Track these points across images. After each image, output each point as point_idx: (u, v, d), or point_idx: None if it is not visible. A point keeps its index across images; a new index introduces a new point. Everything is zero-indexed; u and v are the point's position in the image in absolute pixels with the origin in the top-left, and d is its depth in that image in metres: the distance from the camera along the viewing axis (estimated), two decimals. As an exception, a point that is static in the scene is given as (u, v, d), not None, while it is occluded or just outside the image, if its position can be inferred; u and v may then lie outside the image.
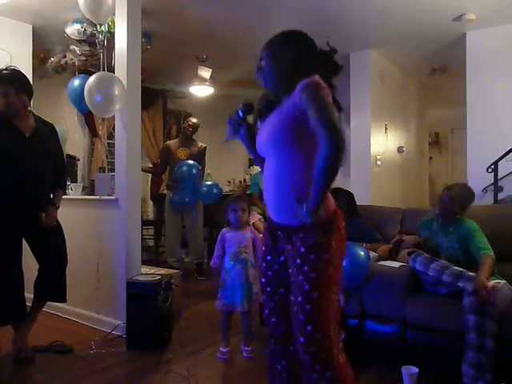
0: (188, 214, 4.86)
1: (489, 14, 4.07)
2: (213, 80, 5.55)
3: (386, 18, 4.14)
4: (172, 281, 3.05)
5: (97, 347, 2.81)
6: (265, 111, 1.61)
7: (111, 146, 4.31)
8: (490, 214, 2.92)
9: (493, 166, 4.28)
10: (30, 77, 3.27)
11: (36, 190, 2.60)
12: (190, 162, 4.58)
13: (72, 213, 3.25)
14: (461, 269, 2.31)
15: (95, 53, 3.74)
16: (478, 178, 4.14)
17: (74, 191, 3.54)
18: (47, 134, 2.70)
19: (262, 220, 4.01)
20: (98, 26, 3.30)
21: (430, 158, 8.81)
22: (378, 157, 5.34)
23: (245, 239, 2.72)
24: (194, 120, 5.09)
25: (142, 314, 2.80)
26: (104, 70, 3.12)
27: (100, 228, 3.20)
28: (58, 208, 2.71)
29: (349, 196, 3.21)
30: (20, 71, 2.62)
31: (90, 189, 3.63)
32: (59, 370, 2.53)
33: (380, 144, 5.44)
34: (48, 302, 2.81)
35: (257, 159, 1.72)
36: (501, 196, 4.31)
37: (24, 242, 2.64)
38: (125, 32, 3.09)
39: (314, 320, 1.40)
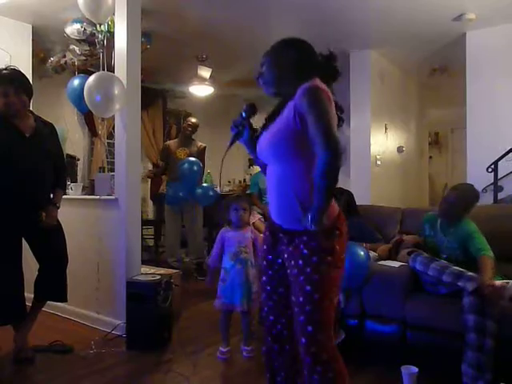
0: (188, 213, 4.87)
1: (489, 13, 4.06)
2: (212, 80, 5.54)
3: (386, 18, 4.14)
4: (172, 280, 3.05)
5: (97, 347, 2.81)
6: (268, 118, 1.61)
7: (111, 145, 4.32)
8: (490, 213, 2.92)
9: (493, 166, 4.28)
10: (29, 77, 3.27)
11: (36, 190, 2.60)
12: (192, 159, 4.62)
13: (72, 213, 3.25)
14: (461, 269, 2.31)
15: (95, 52, 3.74)
16: (477, 178, 4.13)
17: (73, 191, 3.54)
18: (47, 133, 2.70)
19: (262, 220, 4.02)
20: (98, 26, 3.30)
21: (430, 157, 8.82)
22: (377, 157, 5.34)
23: (245, 239, 2.72)
24: (193, 120, 5.10)
25: (142, 313, 2.80)
26: (104, 70, 3.12)
27: (100, 228, 3.20)
28: (58, 208, 2.71)
29: (349, 196, 3.21)
30: (20, 71, 2.62)
31: (89, 188, 3.63)
32: (59, 370, 2.53)
33: (380, 144, 5.44)
34: (48, 302, 2.81)
35: (258, 160, 1.71)
36: (501, 196, 4.31)
37: (24, 242, 2.64)
38: (124, 32, 3.09)
39: (314, 320, 1.41)
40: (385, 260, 2.85)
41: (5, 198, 2.48)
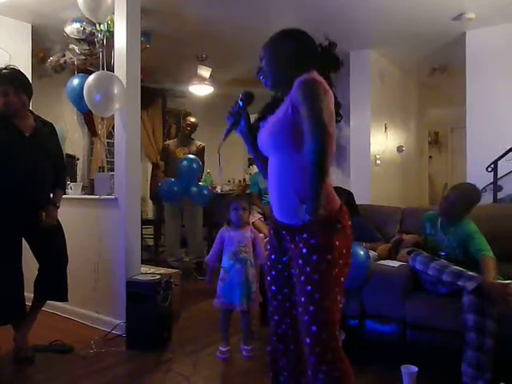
0: (187, 212, 4.87)
1: (488, 13, 4.06)
2: (212, 79, 5.54)
3: (386, 17, 4.14)
4: (172, 280, 3.05)
5: (97, 347, 2.81)
6: (267, 110, 1.60)
7: (111, 145, 4.32)
8: (490, 213, 2.92)
9: (492, 166, 4.28)
10: (29, 76, 3.27)
11: (36, 190, 2.59)
12: (192, 156, 4.65)
13: (71, 212, 3.25)
14: (460, 268, 2.31)
15: (94, 52, 3.74)
16: (477, 178, 4.12)
17: (73, 191, 3.54)
18: (47, 133, 2.70)
19: (262, 219, 4.02)
20: (98, 25, 3.30)
21: (430, 157, 8.82)
22: (377, 156, 5.34)
23: (244, 238, 2.72)
24: (192, 119, 5.11)
25: (142, 313, 2.80)
26: (103, 69, 3.12)
27: (100, 227, 3.20)
28: (58, 208, 2.70)
29: (348, 195, 3.21)
30: (20, 70, 2.61)
31: (89, 188, 3.63)
32: (59, 370, 2.53)
33: (380, 143, 5.44)
34: (48, 302, 2.81)
35: (256, 157, 1.70)
36: (500, 195, 4.31)
37: (24, 242, 2.64)
38: (124, 31, 3.09)
39: (318, 320, 1.40)
40: (384, 260, 2.85)
41: (5, 197, 2.48)
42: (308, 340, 1.41)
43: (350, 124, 5.23)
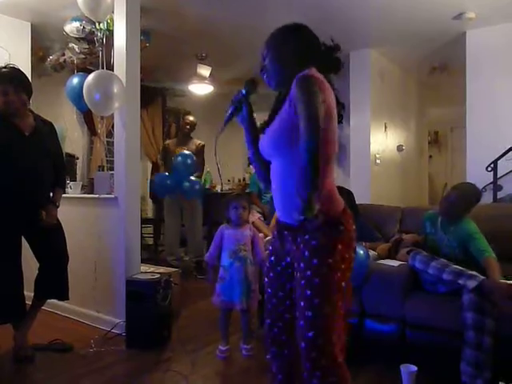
0: (187, 211, 4.88)
1: (489, 12, 4.06)
2: (212, 78, 5.54)
3: (386, 16, 4.14)
4: (171, 279, 3.05)
5: (96, 345, 2.82)
6: (270, 113, 1.56)
7: (110, 144, 4.31)
8: (489, 213, 2.92)
9: (492, 165, 4.28)
10: (28, 75, 3.27)
11: (36, 189, 2.59)
12: (187, 152, 4.70)
13: (71, 211, 3.25)
14: (461, 267, 2.31)
15: (94, 51, 3.74)
16: (477, 177, 4.12)
17: (73, 190, 3.54)
18: (46, 132, 2.70)
19: (262, 219, 4.02)
20: (97, 24, 3.30)
21: (430, 156, 8.81)
22: (377, 155, 5.34)
23: (244, 237, 2.72)
24: (191, 118, 5.13)
25: (142, 312, 2.81)
26: (103, 68, 3.12)
27: (99, 226, 3.20)
28: (58, 207, 2.70)
29: (348, 195, 3.20)
30: (19, 69, 2.61)
31: (89, 187, 3.63)
32: (59, 369, 2.54)
33: (379, 143, 5.44)
34: (48, 300, 2.81)
35: (254, 153, 1.66)
36: (500, 195, 4.31)
37: (24, 241, 2.64)
38: (124, 30, 3.09)
39: (315, 326, 1.37)
40: (384, 259, 2.86)
41: (4, 196, 2.48)
42: (303, 344, 1.38)
43: (349, 123, 5.22)
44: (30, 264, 2.70)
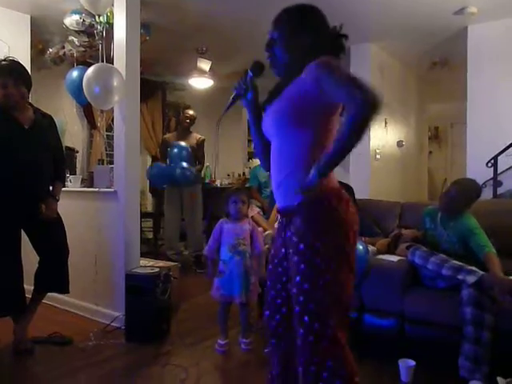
0: (187, 205, 4.87)
1: (490, 7, 4.04)
2: (212, 72, 5.52)
3: (387, 11, 4.11)
4: (171, 273, 3.05)
5: (96, 339, 2.83)
6: (273, 93, 1.54)
7: (110, 138, 4.31)
8: (489, 208, 2.92)
9: (492, 161, 4.28)
10: (28, 68, 3.25)
11: (35, 182, 2.59)
12: (183, 143, 4.72)
13: (71, 205, 3.24)
14: (460, 263, 2.32)
15: (94, 44, 3.72)
16: (477, 173, 4.12)
17: (72, 183, 3.53)
18: (46, 125, 2.69)
19: (261, 213, 4.02)
20: (97, 17, 3.29)
21: (430, 152, 8.80)
22: (377, 151, 5.33)
23: (243, 231, 2.72)
24: (190, 112, 5.11)
25: (141, 306, 2.81)
26: (103, 62, 3.11)
27: (99, 220, 3.21)
28: (58, 200, 2.70)
29: (348, 190, 3.19)
30: (19, 62, 2.60)
31: (88, 181, 3.62)
32: (58, 362, 2.54)
33: (379, 138, 5.43)
34: (47, 294, 2.81)
35: (258, 138, 1.63)
36: (500, 191, 4.31)
37: (24, 235, 2.64)
38: (124, 23, 3.07)
39: (308, 311, 1.35)
40: (383, 254, 2.86)
41: (4, 189, 2.48)
42: (301, 330, 1.37)
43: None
44: (29, 257, 2.70)
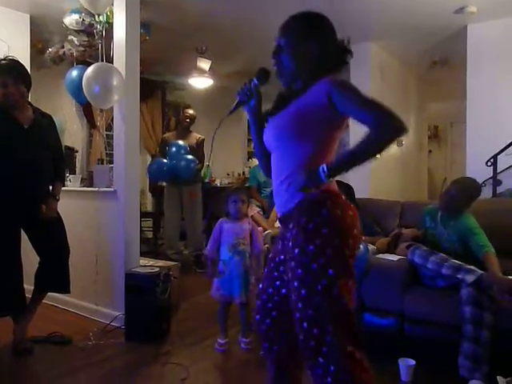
0: (187, 205, 4.87)
1: (490, 6, 4.04)
2: (212, 72, 5.52)
3: (387, 10, 4.11)
4: (171, 273, 3.05)
5: (95, 338, 2.82)
6: (276, 105, 1.53)
7: (110, 137, 4.30)
8: (489, 207, 2.92)
9: (492, 160, 4.28)
10: (27, 67, 3.24)
11: (35, 182, 2.59)
12: (181, 142, 4.73)
13: (70, 204, 3.24)
14: (460, 262, 2.32)
15: (93, 43, 3.72)
16: (477, 172, 4.12)
17: (72, 183, 3.53)
18: (46, 125, 2.69)
19: (261, 213, 4.02)
20: (97, 17, 3.28)
21: (429, 151, 8.81)
22: (377, 150, 5.33)
23: (243, 230, 2.72)
24: (190, 111, 5.11)
25: (141, 305, 2.81)
26: (102, 61, 3.11)
27: (99, 220, 3.20)
28: (58, 200, 2.70)
29: (348, 189, 3.20)
30: (19, 61, 2.60)
31: (88, 180, 3.62)
32: (58, 361, 2.54)
33: (379, 137, 5.42)
34: (47, 294, 2.81)
35: (258, 145, 1.63)
36: (499, 190, 4.31)
37: (23, 235, 2.64)
38: (123, 22, 3.07)
39: (307, 316, 1.33)
40: (383, 253, 2.86)
41: (4, 189, 2.48)
42: (302, 336, 1.35)
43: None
44: (29, 257, 2.70)
